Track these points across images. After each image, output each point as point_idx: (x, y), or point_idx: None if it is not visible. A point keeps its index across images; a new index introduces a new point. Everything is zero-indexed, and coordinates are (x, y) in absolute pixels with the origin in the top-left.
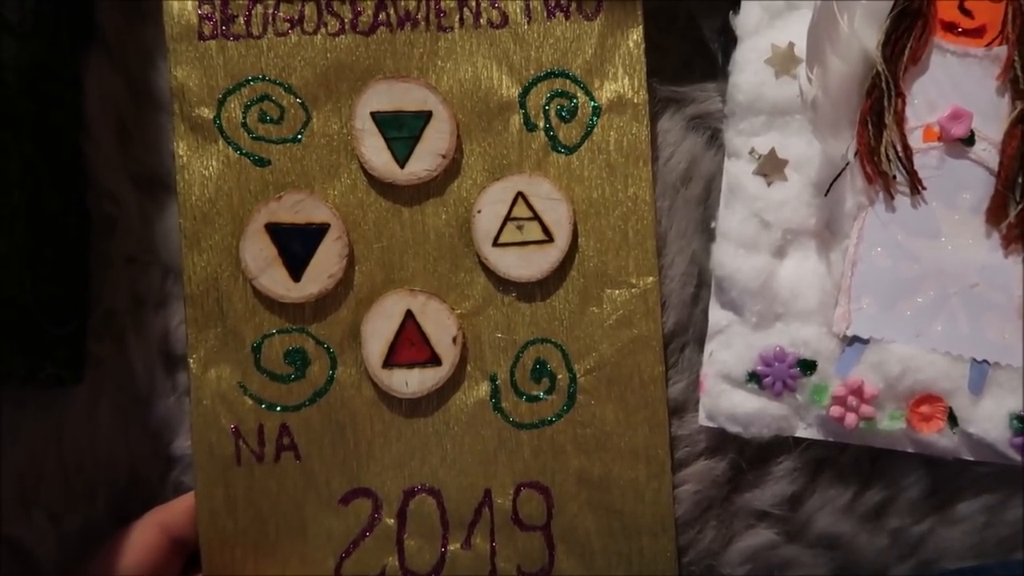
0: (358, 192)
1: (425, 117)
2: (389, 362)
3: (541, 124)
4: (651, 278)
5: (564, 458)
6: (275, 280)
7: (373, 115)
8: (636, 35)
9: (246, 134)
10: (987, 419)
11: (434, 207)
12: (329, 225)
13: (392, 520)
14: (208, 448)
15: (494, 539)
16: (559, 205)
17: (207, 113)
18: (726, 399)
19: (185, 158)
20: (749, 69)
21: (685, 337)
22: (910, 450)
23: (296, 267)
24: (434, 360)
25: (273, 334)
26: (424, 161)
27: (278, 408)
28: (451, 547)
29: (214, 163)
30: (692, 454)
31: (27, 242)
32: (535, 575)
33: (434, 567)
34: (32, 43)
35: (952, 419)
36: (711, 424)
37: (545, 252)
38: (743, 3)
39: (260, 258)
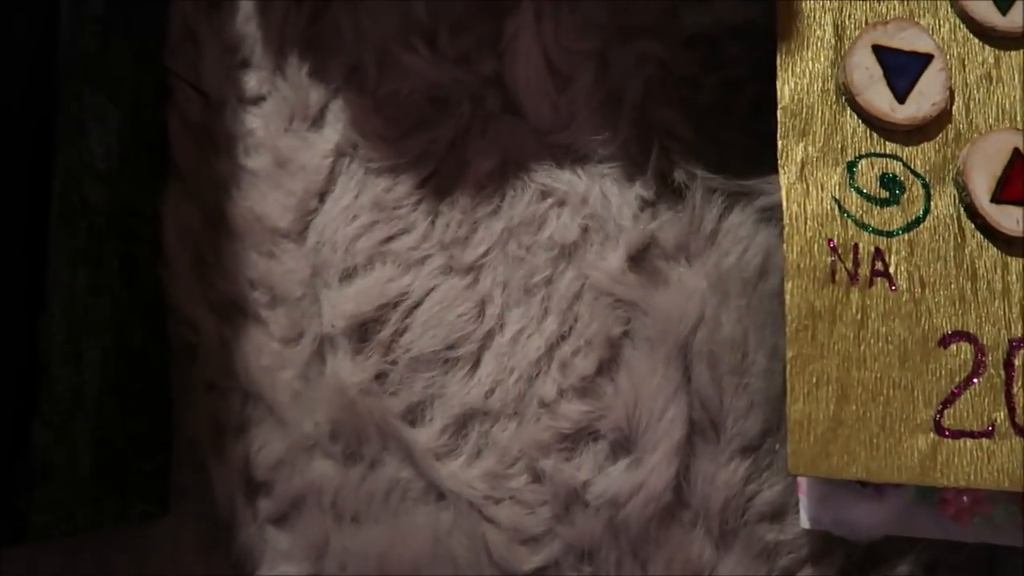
0: (957, 34)
1: None
2: (997, 197)
3: None
4: None
5: None
6: (880, 97)
7: None
8: None
9: None
10: None
11: None
12: (933, 56)
13: (998, 370)
14: (803, 258)
15: None
16: None
17: None
18: (830, 500)
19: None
20: None
21: (778, 435)
22: None
23: (900, 89)
24: None
25: (870, 155)
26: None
27: (873, 230)
28: None
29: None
30: (796, 560)
31: (118, 380)
32: None
33: None
34: (118, 186)
35: None
36: (816, 528)
37: None
38: None
39: (866, 75)
